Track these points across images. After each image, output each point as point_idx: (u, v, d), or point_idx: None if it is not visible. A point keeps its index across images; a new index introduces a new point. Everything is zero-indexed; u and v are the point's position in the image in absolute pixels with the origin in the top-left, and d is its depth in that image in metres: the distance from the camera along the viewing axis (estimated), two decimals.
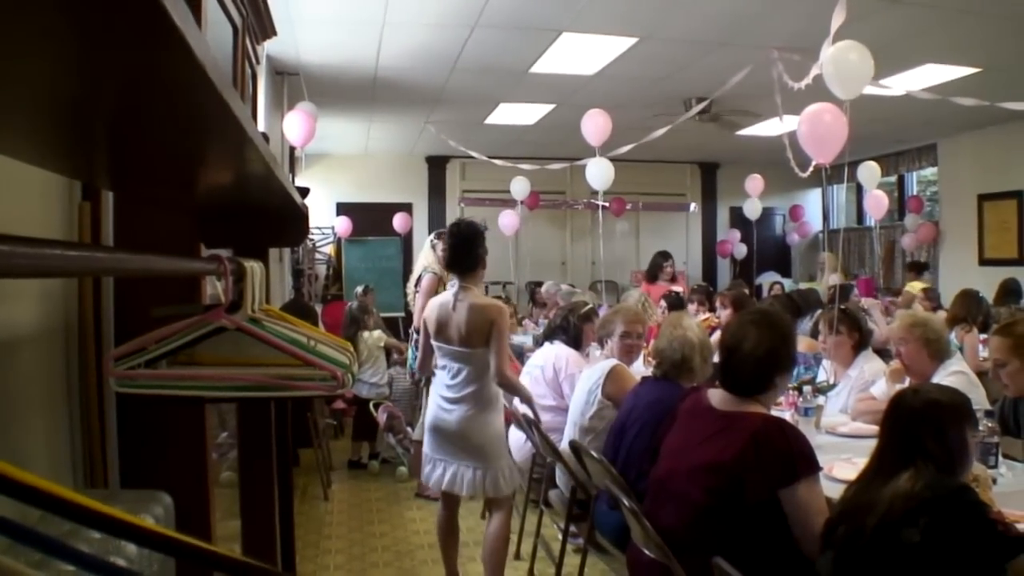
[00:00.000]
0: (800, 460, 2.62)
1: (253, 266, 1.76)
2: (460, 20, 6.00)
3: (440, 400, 4.11)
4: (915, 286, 9.09)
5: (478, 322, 3.94)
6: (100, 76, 0.77)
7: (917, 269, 10.83)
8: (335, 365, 1.73)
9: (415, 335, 5.77)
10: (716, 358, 3.66)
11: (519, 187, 10.85)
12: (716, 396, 2.91)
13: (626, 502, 2.96)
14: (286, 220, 2.06)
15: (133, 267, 1.18)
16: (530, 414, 4.48)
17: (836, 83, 4.86)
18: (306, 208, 2.08)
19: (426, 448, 4.21)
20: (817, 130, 5.29)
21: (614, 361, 4.23)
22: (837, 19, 4.53)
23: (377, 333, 7.11)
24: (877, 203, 10.27)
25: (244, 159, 1.25)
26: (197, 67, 0.71)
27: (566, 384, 4.80)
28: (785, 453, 2.61)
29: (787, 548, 2.67)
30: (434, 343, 4.16)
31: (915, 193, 12.49)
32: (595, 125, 7.62)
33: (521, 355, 7.14)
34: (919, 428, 2.30)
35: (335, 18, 5.92)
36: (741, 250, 13.38)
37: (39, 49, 0.66)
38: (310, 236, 10.97)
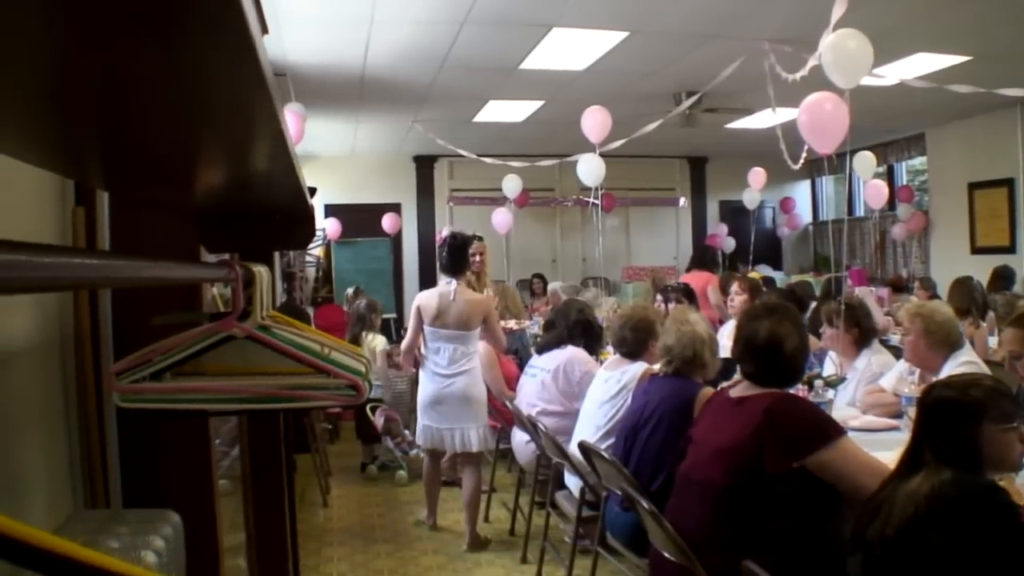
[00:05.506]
0: (817, 427, 2.68)
1: (261, 271, 1.66)
2: (449, 16, 5.90)
3: (438, 379, 4.92)
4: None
5: (475, 311, 4.94)
6: (153, 74, 0.69)
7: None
8: (352, 374, 1.63)
9: None
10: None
11: (511, 185, 10.65)
12: (736, 388, 2.96)
13: (644, 504, 2.88)
14: (292, 221, 1.97)
15: (142, 275, 1.08)
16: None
17: (836, 72, 4.79)
18: (312, 208, 1.98)
19: (428, 421, 4.97)
20: (818, 120, 5.22)
21: (644, 364, 4.11)
22: (839, 8, 4.46)
23: (381, 339, 6.87)
24: (876, 193, 10.33)
25: (273, 161, 1.17)
26: (259, 74, 0.63)
27: (583, 383, 4.65)
28: (798, 423, 2.67)
29: (811, 531, 2.69)
30: (429, 328, 4.95)
31: (904, 183, 12.47)
32: (595, 121, 7.50)
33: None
34: (929, 427, 2.25)
35: (323, 17, 5.80)
36: (729, 243, 13.28)
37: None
38: None
